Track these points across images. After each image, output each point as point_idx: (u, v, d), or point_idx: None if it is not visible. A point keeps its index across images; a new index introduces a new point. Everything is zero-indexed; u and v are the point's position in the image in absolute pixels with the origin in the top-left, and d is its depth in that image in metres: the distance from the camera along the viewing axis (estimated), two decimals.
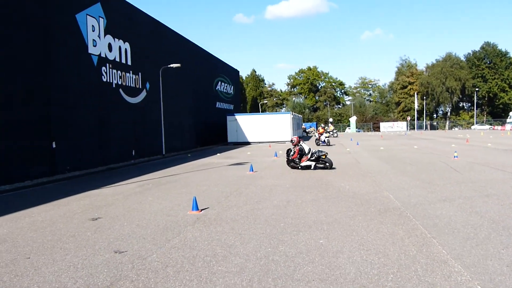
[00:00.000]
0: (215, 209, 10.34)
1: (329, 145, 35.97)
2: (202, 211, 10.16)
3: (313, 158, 17.68)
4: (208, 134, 45.24)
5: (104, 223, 9.33)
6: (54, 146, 19.61)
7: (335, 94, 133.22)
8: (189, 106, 39.43)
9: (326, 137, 36.77)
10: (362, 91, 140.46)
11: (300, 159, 17.96)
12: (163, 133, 31.65)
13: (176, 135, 35.61)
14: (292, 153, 18.29)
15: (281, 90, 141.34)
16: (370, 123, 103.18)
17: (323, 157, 17.76)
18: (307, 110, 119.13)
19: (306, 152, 17.91)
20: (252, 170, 18.10)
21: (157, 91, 31.20)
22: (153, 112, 30.87)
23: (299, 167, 17.90)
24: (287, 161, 18.51)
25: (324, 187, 13.06)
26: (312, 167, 17.71)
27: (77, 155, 21.50)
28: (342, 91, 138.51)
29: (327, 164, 17.70)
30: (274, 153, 26.89)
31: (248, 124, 46.13)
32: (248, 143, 45.92)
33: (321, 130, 38.04)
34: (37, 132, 18.66)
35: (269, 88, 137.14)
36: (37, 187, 16.05)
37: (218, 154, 31.13)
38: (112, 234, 8.35)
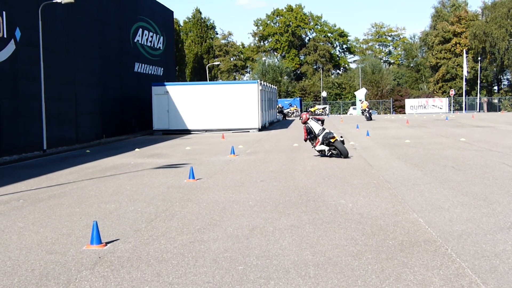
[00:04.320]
0: (129, 242, 10.15)
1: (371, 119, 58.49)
2: (108, 245, 9.99)
3: (325, 141, 22.91)
4: (121, 117, 44.92)
5: None
6: None
7: (332, 52, 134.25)
8: (90, 69, 39.00)
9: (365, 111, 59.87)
10: (377, 47, 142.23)
11: (313, 140, 23.67)
12: (44, 114, 31.20)
13: (67, 119, 35.16)
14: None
15: (243, 45, 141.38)
16: (388, 99, 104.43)
17: (332, 140, 22.65)
18: (285, 78, 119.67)
19: (317, 133, 23.35)
20: (193, 177, 17.96)
21: (35, 43, 30.65)
22: (28, 78, 30.30)
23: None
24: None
25: (312, 205, 13.02)
26: (326, 153, 23.15)
27: None
28: (344, 46, 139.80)
29: (340, 152, 22.66)
30: (231, 148, 26.81)
31: (188, 101, 45.96)
32: (187, 132, 45.77)
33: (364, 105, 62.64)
34: None
35: (223, 41, 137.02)
36: None
37: (137, 149, 30.80)
38: None
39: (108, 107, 42.11)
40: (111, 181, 18.33)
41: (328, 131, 23.28)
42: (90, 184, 17.93)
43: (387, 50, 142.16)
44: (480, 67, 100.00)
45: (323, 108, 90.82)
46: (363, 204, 13.00)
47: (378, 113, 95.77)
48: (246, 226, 11.14)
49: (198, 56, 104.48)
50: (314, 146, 23.66)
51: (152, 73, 53.77)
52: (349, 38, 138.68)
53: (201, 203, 13.74)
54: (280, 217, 11.81)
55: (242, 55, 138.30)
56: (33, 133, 30.58)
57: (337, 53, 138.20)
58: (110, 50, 43.08)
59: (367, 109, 61.52)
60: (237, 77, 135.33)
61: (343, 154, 22.61)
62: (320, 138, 23.10)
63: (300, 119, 25.69)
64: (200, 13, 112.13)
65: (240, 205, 13.30)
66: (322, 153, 23.38)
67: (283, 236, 10.26)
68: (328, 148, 22.99)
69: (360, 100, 68.63)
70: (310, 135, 23.76)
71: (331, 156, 23.02)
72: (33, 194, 16.25)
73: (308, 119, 23.98)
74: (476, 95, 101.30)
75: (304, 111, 29.89)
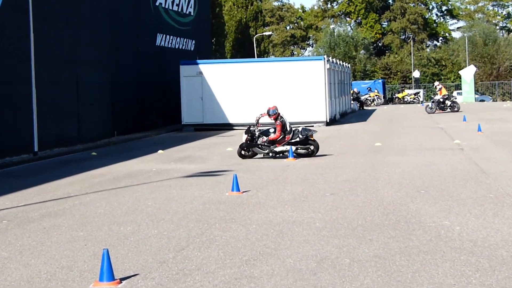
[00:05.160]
0: (153, 279, 10.18)
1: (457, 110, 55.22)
2: (124, 282, 10.01)
3: (297, 139, 25.66)
4: (138, 107, 45.23)
5: None
6: None
7: (427, 17, 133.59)
8: (97, 44, 39.27)
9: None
10: (490, 8, 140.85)
11: (275, 141, 25.78)
12: (35, 104, 31.55)
13: (66, 110, 35.46)
14: (257, 133, 26.08)
15: (303, 8, 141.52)
16: (508, 81, 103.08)
17: (312, 138, 25.70)
18: (362, 52, 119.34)
19: (288, 129, 25.79)
20: (238, 189, 18.00)
21: (23, 8, 30.99)
22: (13, 55, 30.66)
23: (270, 154, 26.17)
24: (242, 144, 26.50)
25: (403, 228, 12.96)
26: (289, 155, 25.52)
27: None
28: (444, 8, 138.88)
29: (313, 148, 25.91)
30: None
31: (229, 85, 46.08)
32: (228, 127, 45.77)
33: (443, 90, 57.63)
34: None
35: (276, 4, 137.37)
36: None
37: (160, 151, 31.04)
38: None
39: (121, 94, 42.45)
40: (126, 195, 18.47)
41: (302, 127, 26.58)
42: (98, 198, 18.09)
43: (505, 13, 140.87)
44: None
45: (415, 94, 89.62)
46: (476, 227, 12.83)
47: (493, 100, 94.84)
48: (312, 256, 11.05)
49: (242, 24, 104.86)
50: (275, 147, 26.13)
51: (181, 47, 54.10)
52: None
53: (250, 225, 13.72)
54: (359, 245, 11.73)
55: (302, 23, 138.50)
56: (21, 130, 30.80)
57: (434, 17, 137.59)
58: (123, 19, 43.35)
59: (440, 98, 56.18)
60: (295, 52, 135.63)
61: (316, 148, 26.12)
62: (291, 136, 25.92)
63: (272, 112, 26.27)
64: None
65: (303, 228, 13.25)
66: (280, 155, 26.20)
67: (364, 271, 10.13)
68: (295, 147, 25.93)
69: (436, 85, 61.87)
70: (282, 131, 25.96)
71: (295, 157, 25.67)
72: (20, 212, 16.41)
73: (279, 113, 26.27)
74: None
75: (273, 105, 26.03)
